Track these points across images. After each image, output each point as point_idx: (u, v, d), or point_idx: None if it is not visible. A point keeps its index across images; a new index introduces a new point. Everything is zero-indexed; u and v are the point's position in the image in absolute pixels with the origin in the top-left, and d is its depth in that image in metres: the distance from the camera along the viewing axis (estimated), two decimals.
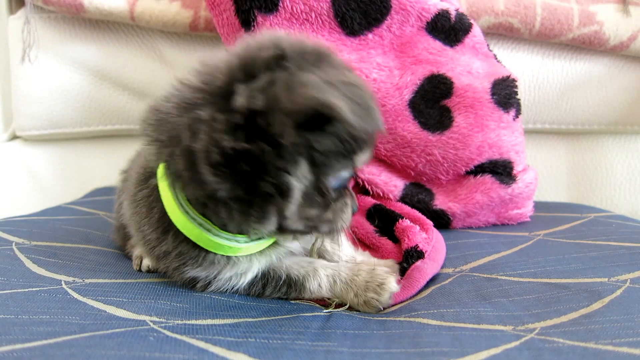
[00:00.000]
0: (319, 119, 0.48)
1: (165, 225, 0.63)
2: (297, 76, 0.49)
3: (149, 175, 0.66)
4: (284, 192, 0.53)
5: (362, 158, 0.57)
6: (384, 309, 0.67)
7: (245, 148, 0.49)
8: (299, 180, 0.53)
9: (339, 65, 0.55)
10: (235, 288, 0.68)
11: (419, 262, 0.76)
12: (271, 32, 0.58)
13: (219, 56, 0.55)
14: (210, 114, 0.50)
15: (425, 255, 0.79)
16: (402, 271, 0.76)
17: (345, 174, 0.58)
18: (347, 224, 0.63)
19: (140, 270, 0.79)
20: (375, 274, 0.68)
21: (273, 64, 0.51)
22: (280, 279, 0.68)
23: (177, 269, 0.66)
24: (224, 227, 0.60)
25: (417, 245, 0.81)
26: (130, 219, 0.71)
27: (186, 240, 0.62)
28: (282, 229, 0.59)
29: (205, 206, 0.58)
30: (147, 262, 0.78)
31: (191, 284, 0.67)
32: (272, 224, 0.57)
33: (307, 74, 0.49)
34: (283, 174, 0.51)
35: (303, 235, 0.66)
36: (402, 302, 0.69)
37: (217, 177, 0.51)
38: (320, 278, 0.68)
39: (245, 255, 0.65)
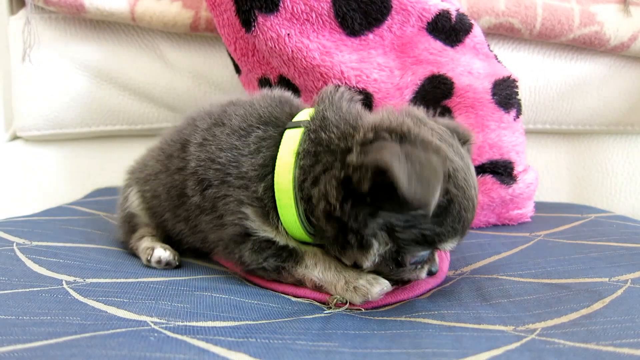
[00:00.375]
0: (386, 185, 0.53)
1: (265, 172, 0.68)
2: (388, 146, 0.56)
3: (268, 122, 0.71)
4: (364, 248, 0.62)
5: (448, 246, 0.64)
6: (374, 308, 0.68)
7: (334, 212, 0.60)
8: (379, 243, 0.62)
9: (436, 152, 0.58)
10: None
11: None
12: (417, 114, 0.67)
13: (372, 118, 0.64)
14: (338, 170, 0.60)
15: None
16: None
17: (424, 254, 0.66)
18: (416, 279, 0.71)
19: (149, 262, 0.78)
20: (366, 273, 0.70)
21: (389, 138, 0.59)
22: (287, 247, 0.71)
23: (239, 202, 0.69)
24: (308, 220, 0.67)
25: None
26: (213, 141, 0.72)
27: (272, 197, 0.67)
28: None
29: (309, 204, 0.65)
30: (157, 254, 0.78)
31: (229, 215, 0.70)
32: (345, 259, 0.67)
33: (397, 145, 0.56)
34: (363, 234, 0.61)
35: None
36: (402, 301, 0.70)
37: (324, 219, 0.63)
38: (318, 258, 0.71)
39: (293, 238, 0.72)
